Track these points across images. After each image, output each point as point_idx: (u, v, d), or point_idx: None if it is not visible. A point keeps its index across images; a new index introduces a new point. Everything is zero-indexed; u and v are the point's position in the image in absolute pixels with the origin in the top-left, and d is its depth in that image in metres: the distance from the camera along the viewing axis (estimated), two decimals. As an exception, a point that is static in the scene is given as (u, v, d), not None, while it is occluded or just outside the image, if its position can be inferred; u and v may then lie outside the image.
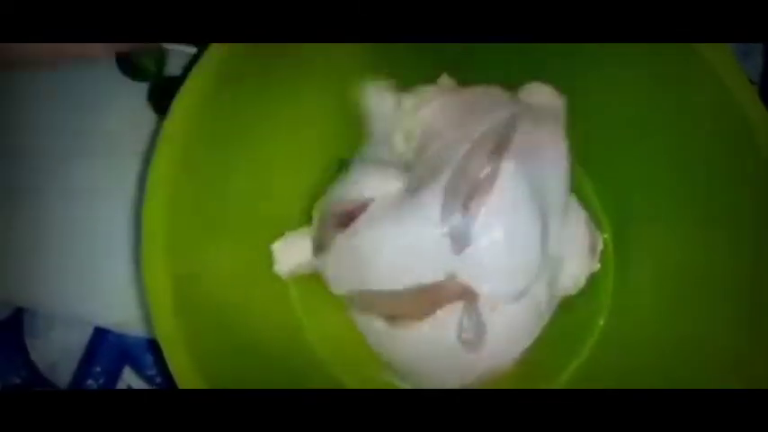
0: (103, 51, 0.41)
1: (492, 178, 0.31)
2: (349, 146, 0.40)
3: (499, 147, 0.32)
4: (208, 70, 0.33)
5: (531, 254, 0.32)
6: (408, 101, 0.38)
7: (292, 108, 0.38)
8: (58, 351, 0.43)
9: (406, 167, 0.36)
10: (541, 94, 0.37)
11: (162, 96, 0.45)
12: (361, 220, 0.33)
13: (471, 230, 0.31)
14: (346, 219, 0.34)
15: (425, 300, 0.33)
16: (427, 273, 0.32)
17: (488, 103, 0.35)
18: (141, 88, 0.46)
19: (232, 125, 0.35)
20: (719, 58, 0.32)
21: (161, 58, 0.46)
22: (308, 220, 0.38)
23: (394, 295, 0.33)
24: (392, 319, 0.34)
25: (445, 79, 0.40)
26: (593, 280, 0.37)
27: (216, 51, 0.33)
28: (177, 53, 0.47)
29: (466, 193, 0.31)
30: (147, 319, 0.31)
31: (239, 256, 0.36)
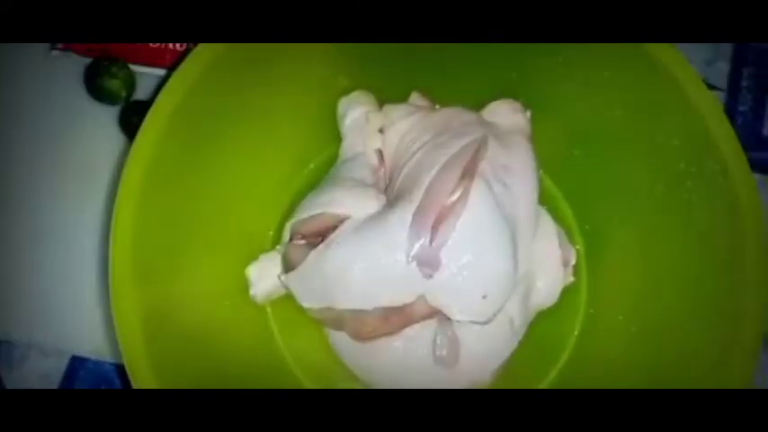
0: None
1: (461, 202, 0.31)
2: (325, 165, 0.40)
3: (468, 171, 0.32)
4: (174, 94, 0.33)
5: (501, 277, 0.32)
6: (377, 119, 0.38)
7: (261, 129, 0.38)
8: (35, 380, 0.42)
9: (383, 189, 0.36)
10: (507, 112, 0.37)
11: (132, 120, 0.45)
12: (334, 238, 0.33)
13: (440, 255, 0.31)
14: (319, 235, 0.34)
15: (394, 319, 0.33)
16: (396, 295, 0.32)
17: (457, 126, 0.35)
18: (111, 112, 0.46)
19: (200, 149, 0.35)
20: (686, 74, 0.33)
21: (131, 83, 0.46)
22: (281, 240, 0.38)
23: (361, 314, 0.33)
24: (360, 336, 0.34)
25: (416, 97, 0.40)
26: (566, 291, 0.37)
27: (183, 75, 0.33)
28: (147, 76, 0.47)
29: (435, 218, 0.31)
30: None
31: (214, 281, 0.36)
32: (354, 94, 0.40)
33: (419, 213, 0.31)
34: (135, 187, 0.31)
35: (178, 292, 0.34)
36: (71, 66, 0.46)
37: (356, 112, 0.39)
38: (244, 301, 0.37)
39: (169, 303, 0.33)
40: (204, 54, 0.33)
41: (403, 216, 0.32)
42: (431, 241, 0.31)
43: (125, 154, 0.43)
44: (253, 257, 0.38)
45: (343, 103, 0.40)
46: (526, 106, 0.38)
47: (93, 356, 0.42)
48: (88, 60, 0.46)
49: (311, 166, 0.41)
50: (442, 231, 0.31)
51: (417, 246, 0.31)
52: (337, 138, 0.40)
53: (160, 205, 0.33)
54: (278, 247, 0.37)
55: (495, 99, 0.39)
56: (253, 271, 0.37)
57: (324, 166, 0.40)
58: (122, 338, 0.30)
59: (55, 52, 0.47)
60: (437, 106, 0.40)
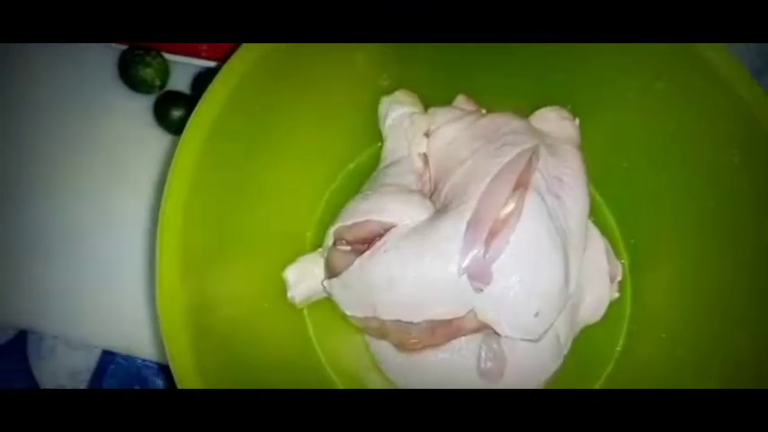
0: None
1: (515, 215, 0.30)
2: (365, 166, 0.39)
3: (521, 182, 0.31)
4: (220, 94, 0.32)
5: (554, 294, 0.31)
6: (423, 122, 0.37)
7: (303, 127, 0.37)
8: (64, 374, 0.42)
9: (428, 195, 0.35)
10: (555, 119, 0.36)
11: (167, 110, 0.44)
12: (381, 246, 0.32)
13: (492, 269, 0.30)
14: (364, 242, 0.33)
15: (440, 332, 0.32)
16: (445, 308, 0.31)
17: (508, 134, 0.34)
18: (146, 101, 0.45)
19: (244, 149, 0.34)
20: (747, 87, 0.32)
21: (165, 72, 0.45)
22: (320, 243, 0.37)
23: (407, 325, 0.32)
24: (404, 347, 0.34)
25: (461, 100, 0.39)
26: (609, 307, 0.36)
27: (229, 73, 0.32)
28: (181, 66, 0.46)
29: (488, 230, 0.30)
30: (159, 344, 0.30)
31: (253, 281, 0.35)
32: (397, 94, 0.39)
33: (473, 224, 0.30)
34: (183, 187, 0.30)
35: (219, 292, 0.33)
36: (106, 54, 0.46)
37: (398, 113, 0.38)
38: (283, 303, 0.36)
39: (211, 303, 0.32)
40: (248, 53, 0.32)
41: (456, 226, 0.31)
42: (483, 255, 0.30)
43: (162, 144, 0.43)
44: (291, 259, 0.37)
45: (384, 103, 0.39)
46: (574, 114, 0.37)
47: (123, 352, 0.42)
48: (122, 48, 0.45)
49: (351, 165, 0.40)
50: (496, 244, 0.30)
51: (469, 258, 0.30)
52: (378, 138, 0.39)
53: (205, 204, 0.32)
54: (319, 249, 0.36)
55: (541, 105, 0.38)
56: (291, 273, 0.36)
57: (364, 166, 0.40)
58: (167, 337, 0.29)
59: (89, 40, 0.46)
60: (483, 111, 0.39)
